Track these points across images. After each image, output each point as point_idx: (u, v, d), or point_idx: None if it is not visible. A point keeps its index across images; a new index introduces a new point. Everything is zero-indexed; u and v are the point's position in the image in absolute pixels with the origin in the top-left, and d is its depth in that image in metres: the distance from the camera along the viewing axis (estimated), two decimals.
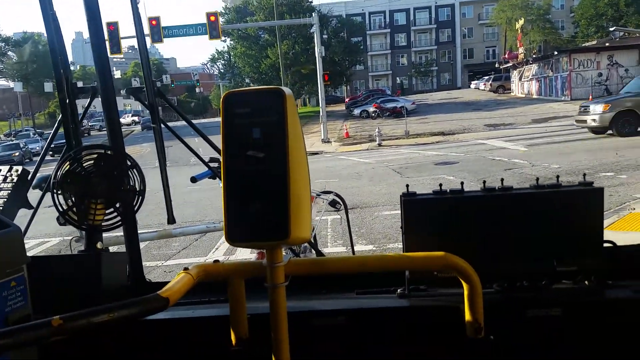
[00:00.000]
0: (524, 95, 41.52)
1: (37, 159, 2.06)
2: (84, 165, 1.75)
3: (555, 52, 36.64)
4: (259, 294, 1.54)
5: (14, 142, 37.52)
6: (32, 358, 1.52)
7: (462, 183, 1.65)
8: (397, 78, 70.48)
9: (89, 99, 2.12)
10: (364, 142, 24.73)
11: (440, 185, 1.65)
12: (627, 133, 16.33)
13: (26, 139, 39.50)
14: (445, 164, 14.66)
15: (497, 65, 53.24)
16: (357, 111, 40.15)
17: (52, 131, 2.10)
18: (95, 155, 1.77)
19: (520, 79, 43.70)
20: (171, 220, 2.07)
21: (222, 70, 59.77)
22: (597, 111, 16.99)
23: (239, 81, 54.16)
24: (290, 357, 1.40)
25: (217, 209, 10.49)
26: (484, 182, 1.64)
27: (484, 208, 1.61)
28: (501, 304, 1.56)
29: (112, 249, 2.50)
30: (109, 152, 1.80)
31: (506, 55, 52.20)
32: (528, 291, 1.59)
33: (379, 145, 22.58)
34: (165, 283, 1.49)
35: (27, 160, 32.77)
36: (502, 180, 1.67)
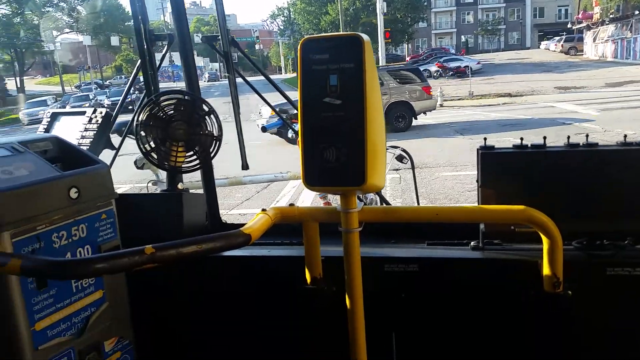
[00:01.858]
0: (597, 58, 39.07)
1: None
2: (165, 109, 1.81)
3: (637, 12, 34.02)
4: (331, 238, 1.57)
5: (84, 94, 39.37)
6: (122, 285, 1.64)
7: (544, 138, 1.59)
8: (462, 36, 67.57)
9: (165, 49, 2.17)
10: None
11: (522, 139, 1.61)
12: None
13: (95, 91, 41.24)
14: (511, 125, 14.14)
15: (569, 25, 50.13)
16: None
17: (131, 77, 2.17)
18: (174, 101, 1.83)
19: (594, 40, 41.08)
20: (245, 166, 2.12)
21: (282, 27, 59.50)
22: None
23: (298, 38, 53.80)
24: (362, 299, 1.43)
25: (278, 163, 10.64)
26: (568, 137, 1.58)
27: (566, 164, 1.55)
28: (581, 261, 1.53)
29: None
30: (187, 98, 1.85)
31: (580, 15, 49.02)
32: (609, 249, 1.54)
33: (441, 105, 21.96)
34: (240, 225, 1.55)
35: None
36: (586, 135, 1.61)
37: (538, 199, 1.47)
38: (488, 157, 1.59)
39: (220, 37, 2.08)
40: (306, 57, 1.28)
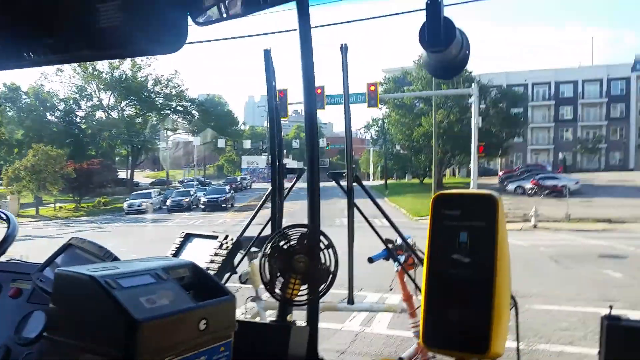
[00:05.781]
0: None
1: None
2: (290, 241, 1.94)
3: None
4: None
5: (186, 189, 42.36)
6: None
7: None
8: (560, 153, 65.42)
9: (294, 179, 2.35)
10: (518, 221, 23.24)
11: None
12: None
13: (196, 188, 44.15)
14: (612, 257, 13.12)
15: None
16: (511, 186, 38.19)
17: (259, 205, 2.38)
18: (298, 234, 1.96)
19: None
20: (351, 301, 2.15)
21: (375, 137, 61.46)
22: None
23: (389, 147, 55.09)
24: None
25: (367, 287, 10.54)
26: None
27: None
28: None
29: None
30: (308, 231, 1.97)
31: None
32: None
33: (534, 226, 21.16)
34: None
35: (195, 206, 37.06)
36: None
37: None
38: (615, 330, 1.47)
39: (345, 173, 2.20)
40: (438, 212, 1.31)
